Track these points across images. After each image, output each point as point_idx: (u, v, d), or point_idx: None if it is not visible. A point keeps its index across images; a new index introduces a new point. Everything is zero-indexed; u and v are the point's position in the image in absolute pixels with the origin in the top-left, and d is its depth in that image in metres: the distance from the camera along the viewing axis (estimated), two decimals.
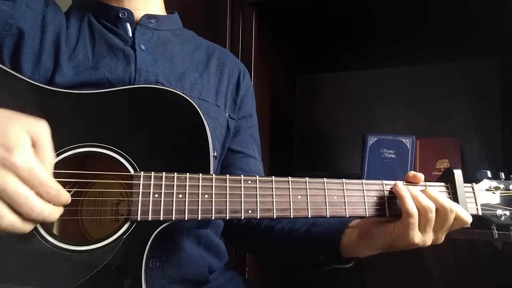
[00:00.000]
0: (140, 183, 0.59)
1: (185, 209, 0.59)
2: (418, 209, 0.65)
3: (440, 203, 0.66)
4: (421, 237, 0.66)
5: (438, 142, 1.27)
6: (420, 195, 0.66)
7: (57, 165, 0.59)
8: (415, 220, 0.64)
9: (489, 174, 0.77)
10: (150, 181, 0.59)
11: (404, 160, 1.20)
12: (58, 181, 0.54)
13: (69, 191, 0.62)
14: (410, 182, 0.71)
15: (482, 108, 1.33)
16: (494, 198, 0.76)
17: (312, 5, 1.31)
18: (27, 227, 0.51)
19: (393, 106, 1.49)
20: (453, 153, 1.23)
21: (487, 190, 0.76)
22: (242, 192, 0.62)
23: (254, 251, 1.03)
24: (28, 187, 0.49)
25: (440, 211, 0.66)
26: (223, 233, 0.90)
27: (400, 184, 0.68)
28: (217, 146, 0.84)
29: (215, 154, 0.73)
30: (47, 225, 0.57)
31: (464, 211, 0.68)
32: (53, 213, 0.52)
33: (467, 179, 0.75)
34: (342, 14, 1.38)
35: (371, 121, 1.50)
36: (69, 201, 0.54)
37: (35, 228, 0.55)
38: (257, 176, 0.64)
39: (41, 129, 0.52)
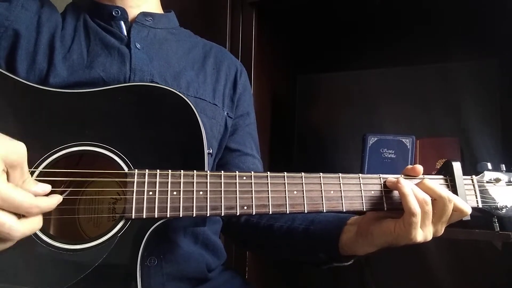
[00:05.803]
0: (134, 181, 0.59)
1: (179, 206, 0.59)
2: None
3: (437, 193, 0.65)
4: (422, 234, 0.65)
5: (438, 142, 1.26)
6: (415, 188, 0.66)
7: (52, 165, 0.59)
8: (417, 219, 0.63)
9: (489, 166, 0.75)
10: (144, 178, 0.59)
11: (404, 160, 1.20)
12: (53, 181, 0.54)
13: (64, 191, 0.63)
14: (409, 175, 0.70)
15: (482, 108, 1.33)
16: (495, 190, 0.74)
17: (312, 5, 1.31)
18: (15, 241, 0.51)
19: (393, 106, 1.49)
20: (453, 153, 1.23)
21: (487, 182, 0.74)
22: (237, 188, 0.62)
23: (253, 248, 1.02)
24: (6, 212, 0.48)
25: (438, 201, 0.65)
26: (222, 230, 0.90)
27: (403, 182, 0.66)
28: (214, 144, 0.83)
29: (210, 151, 0.73)
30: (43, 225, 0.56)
31: (462, 202, 0.67)
32: (36, 225, 0.51)
33: (468, 174, 0.73)
34: (342, 14, 1.38)
35: (371, 121, 1.50)
36: (60, 200, 0.54)
37: None
38: (252, 172, 0.63)
39: (16, 155, 0.49)
